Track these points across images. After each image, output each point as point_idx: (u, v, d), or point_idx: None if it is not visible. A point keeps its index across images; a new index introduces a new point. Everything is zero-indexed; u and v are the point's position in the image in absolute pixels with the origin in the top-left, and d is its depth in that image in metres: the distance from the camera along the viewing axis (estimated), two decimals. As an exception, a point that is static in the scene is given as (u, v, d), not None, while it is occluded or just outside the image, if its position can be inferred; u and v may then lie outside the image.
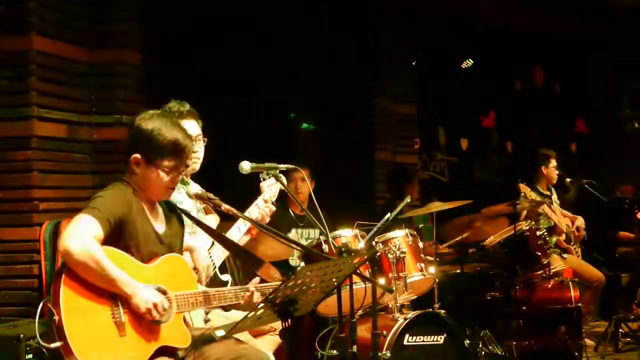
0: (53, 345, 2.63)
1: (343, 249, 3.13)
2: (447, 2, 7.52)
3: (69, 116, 4.87)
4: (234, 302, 3.03)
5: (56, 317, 2.61)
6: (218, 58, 5.96)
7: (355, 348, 3.11)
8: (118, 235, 2.81)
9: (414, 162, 7.65)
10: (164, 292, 2.84)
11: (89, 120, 5.03)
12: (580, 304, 5.23)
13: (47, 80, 4.70)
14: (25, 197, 4.61)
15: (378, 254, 4.30)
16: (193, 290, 2.94)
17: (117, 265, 2.72)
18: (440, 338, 4.23)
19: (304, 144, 7.15)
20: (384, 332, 4.02)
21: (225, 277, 3.51)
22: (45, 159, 4.68)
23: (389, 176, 6.56)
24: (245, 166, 3.35)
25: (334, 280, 2.80)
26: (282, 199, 5.03)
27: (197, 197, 3.20)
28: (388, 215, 4.52)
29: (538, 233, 5.41)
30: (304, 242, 5.07)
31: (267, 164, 3.41)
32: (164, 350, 2.82)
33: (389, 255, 4.31)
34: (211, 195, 3.13)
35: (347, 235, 4.23)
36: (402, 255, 4.30)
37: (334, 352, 4.12)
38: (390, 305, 4.31)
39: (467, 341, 4.41)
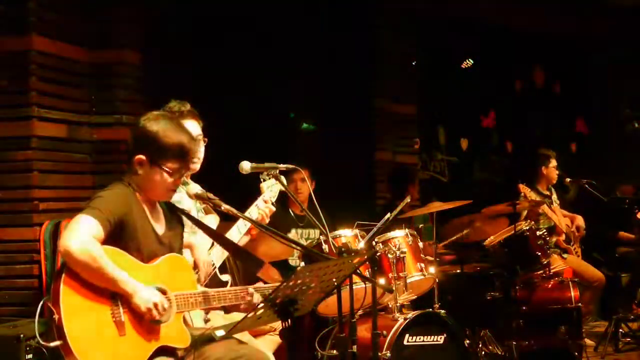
0: (53, 344, 2.63)
1: (343, 249, 3.13)
2: (447, 2, 7.52)
3: (69, 116, 4.87)
4: (234, 303, 3.03)
5: (56, 316, 2.61)
6: (218, 58, 5.96)
7: (355, 348, 3.11)
8: (118, 235, 2.81)
9: (414, 162, 7.65)
10: (163, 292, 2.84)
11: (89, 120, 5.03)
12: (580, 304, 5.23)
13: (47, 80, 4.71)
14: (25, 197, 4.61)
15: (378, 254, 4.30)
16: (193, 291, 2.94)
17: (117, 265, 2.72)
18: (440, 338, 4.23)
19: (304, 144, 7.15)
20: (384, 332, 4.01)
21: (225, 277, 3.51)
22: (45, 159, 4.68)
23: (390, 176, 6.56)
24: (245, 166, 3.35)
25: (334, 280, 2.80)
26: (282, 200, 5.03)
27: (197, 197, 3.20)
28: (388, 215, 4.52)
29: (538, 233, 5.41)
30: (303, 242, 5.06)
31: (267, 164, 3.41)
32: (163, 350, 2.82)
33: (389, 255, 4.31)
34: (211, 195, 3.13)
35: (347, 235, 4.23)
36: (402, 255, 4.30)
37: (334, 352, 4.12)
38: (390, 305, 4.31)
39: (467, 341, 4.41)
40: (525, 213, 5.91)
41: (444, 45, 8.09)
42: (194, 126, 3.58)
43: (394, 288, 4.21)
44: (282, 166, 3.44)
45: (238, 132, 5.92)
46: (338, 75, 6.81)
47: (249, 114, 6.16)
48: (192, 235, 3.37)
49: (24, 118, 4.61)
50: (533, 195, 5.74)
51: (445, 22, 7.83)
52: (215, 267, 3.43)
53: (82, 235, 2.66)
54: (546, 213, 5.97)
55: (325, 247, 4.00)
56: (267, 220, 3.59)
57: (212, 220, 3.62)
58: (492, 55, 8.60)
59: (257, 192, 3.65)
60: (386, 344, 4.02)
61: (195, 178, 3.70)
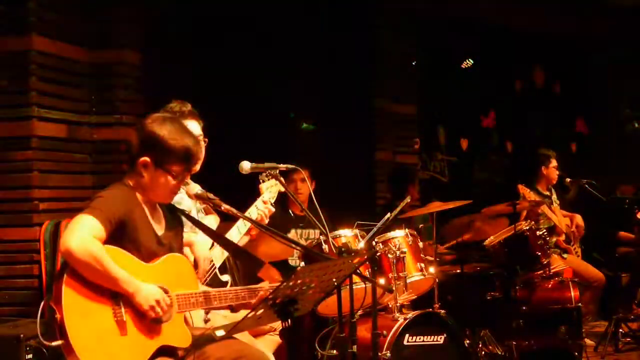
0: (54, 343, 2.63)
1: (343, 249, 3.13)
2: (447, 2, 7.52)
3: (69, 116, 4.87)
4: (235, 303, 3.03)
5: (58, 316, 2.62)
6: (218, 58, 5.96)
7: (355, 348, 3.11)
8: (118, 235, 2.81)
9: (414, 162, 7.65)
10: (165, 292, 2.84)
11: (89, 120, 5.03)
12: (580, 304, 5.23)
13: (47, 80, 4.71)
14: (25, 197, 4.62)
15: (378, 254, 4.30)
16: (194, 290, 2.94)
17: (118, 264, 2.73)
18: (440, 338, 4.23)
19: (304, 144, 7.15)
20: (384, 332, 4.02)
21: (225, 277, 3.51)
22: (45, 159, 4.68)
23: (390, 176, 6.57)
24: (245, 166, 3.35)
25: (334, 280, 2.80)
26: (282, 200, 5.03)
27: (197, 197, 3.20)
28: (388, 215, 4.52)
29: (538, 233, 5.41)
30: (303, 242, 5.06)
31: (267, 164, 3.41)
32: (164, 350, 2.82)
33: (389, 255, 4.31)
34: (211, 195, 3.13)
35: (347, 235, 4.23)
36: (402, 255, 4.30)
37: (334, 352, 4.12)
38: (390, 305, 4.31)
39: (467, 341, 4.41)
40: (525, 213, 5.91)
41: (444, 45, 8.10)
42: (194, 126, 3.58)
43: (394, 288, 4.21)
44: (282, 166, 3.44)
45: (238, 132, 5.92)
46: (338, 75, 6.81)
47: (249, 114, 6.16)
48: (193, 234, 3.37)
49: (24, 118, 4.61)
50: (532, 196, 5.74)
51: (445, 22, 7.83)
52: (215, 267, 3.43)
53: (84, 235, 2.66)
54: (546, 213, 5.97)
55: (325, 247, 4.00)
56: (267, 221, 3.59)
57: (212, 220, 3.62)
58: (492, 55, 8.60)
59: (257, 193, 3.65)
60: (386, 344, 4.03)
61: (195, 178, 3.69)
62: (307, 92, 6.83)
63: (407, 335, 4.12)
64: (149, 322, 2.78)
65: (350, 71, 6.94)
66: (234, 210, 3.11)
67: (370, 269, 3.64)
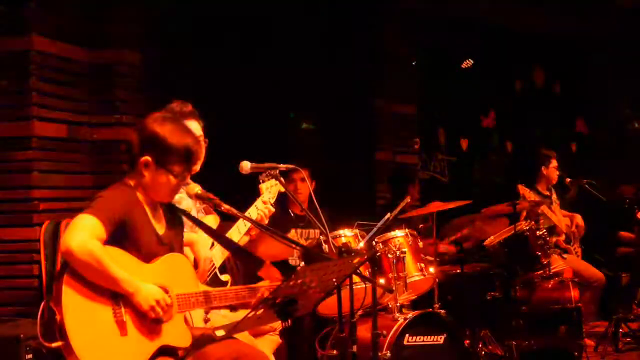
0: (54, 344, 2.63)
1: (343, 249, 3.14)
2: (447, 2, 7.52)
3: (69, 116, 4.87)
4: (235, 302, 3.03)
5: (58, 317, 2.61)
6: (218, 58, 5.96)
7: (355, 348, 3.11)
8: (119, 235, 2.81)
9: (414, 162, 7.65)
10: (165, 291, 2.84)
11: (89, 120, 5.03)
12: (580, 304, 5.23)
13: (47, 80, 4.71)
14: (25, 197, 4.61)
15: (378, 254, 4.30)
16: (194, 290, 2.94)
17: (118, 265, 2.72)
18: (440, 338, 4.23)
19: (304, 144, 7.15)
20: (384, 332, 4.02)
21: (225, 277, 3.51)
22: (45, 159, 4.68)
23: (390, 176, 6.56)
24: (245, 166, 3.35)
25: (334, 280, 2.80)
26: (282, 200, 5.02)
27: (197, 197, 3.20)
28: (388, 215, 4.52)
29: (538, 233, 5.41)
30: (303, 242, 5.06)
31: (267, 164, 3.41)
32: (164, 350, 2.82)
33: (389, 255, 4.32)
34: (211, 195, 3.13)
35: (347, 235, 4.23)
36: (402, 255, 4.31)
37: (334, 352, 4.12)
38: (390, 305, 4.31)
39: (467, 341, 4.42)
40: (525, 213, 5.91)
41: (444, 45, 8.09)
42: (195, 126, 3.58)
43: (394, 288, 4.21)
44: (282, 166, 3.44)
45: (238, 132, 5.92)
46: (338, 75, 6.80)
47: (249, 114, 6.16)
48: (193, 233, 3.37)
49: (24, 118, 4.61)
50: (532, 196, 5.74)
51: (445, 22, 7.83)
52: (215, 267, 3.42)
53: (84, 235, 2.66)
54: (546, 213, 5.97)
55: (325, 247, 4.00)
56: (266, 221, 3.59)
57: (212, 220, 3.61)
58: (492, 55, 8.60)
59: (257, 193, 3.65)
60: (386, 344, 4.03)
61: (195, 178, 3.69)
62: (307, 92, 6.83)
63: (407, 335, 4.13)
64: (149, 322, 2.78)
65: (350, 71, 6.94)
66: (234, 210, 3.11)
67: (370, 269, 3.64)
